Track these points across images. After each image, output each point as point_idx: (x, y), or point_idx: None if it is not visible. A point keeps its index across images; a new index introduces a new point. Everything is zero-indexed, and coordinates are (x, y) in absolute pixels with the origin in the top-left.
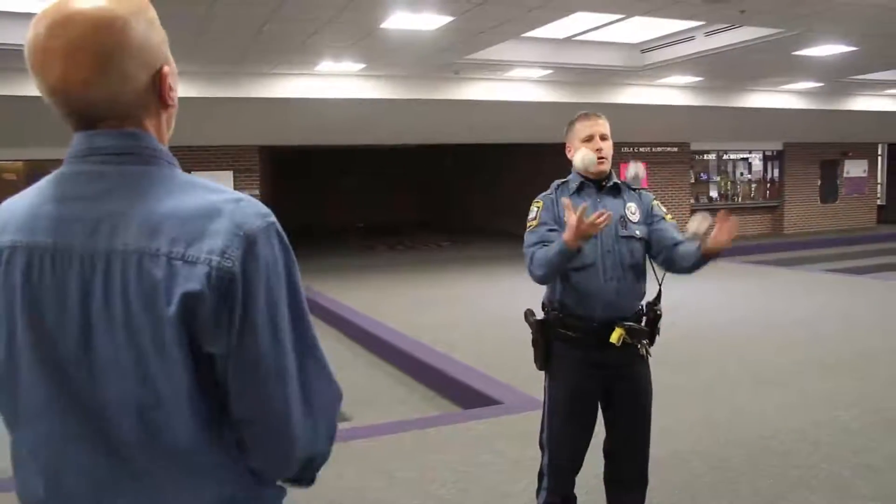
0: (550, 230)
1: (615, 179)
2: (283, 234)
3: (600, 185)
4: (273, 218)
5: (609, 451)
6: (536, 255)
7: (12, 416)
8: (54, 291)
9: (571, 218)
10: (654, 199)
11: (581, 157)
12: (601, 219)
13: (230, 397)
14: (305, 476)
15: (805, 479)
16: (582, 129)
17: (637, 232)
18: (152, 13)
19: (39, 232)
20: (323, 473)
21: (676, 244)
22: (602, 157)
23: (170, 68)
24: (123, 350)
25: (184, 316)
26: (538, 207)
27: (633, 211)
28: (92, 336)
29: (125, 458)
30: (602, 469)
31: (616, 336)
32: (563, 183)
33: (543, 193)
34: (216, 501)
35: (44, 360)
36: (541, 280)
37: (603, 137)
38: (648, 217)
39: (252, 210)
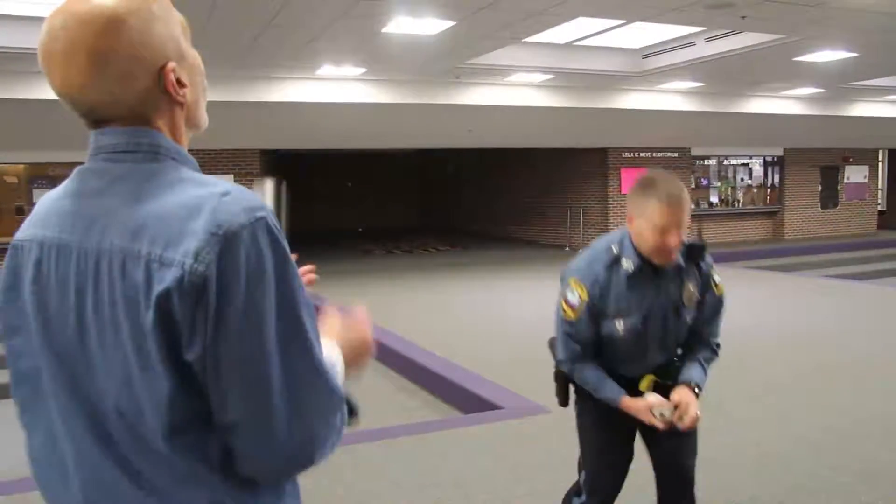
0: (590, 328)
1: (679, 260)
2: (277, 229)
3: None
4: (264, 212)
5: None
6: (577, 366)
7: (29, 404)
8: (57, 285)
9: (647, 417)
10: (712, 267)
11: (648, 247)
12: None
13: (212, 404)
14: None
15: (805, 486)
16: (659, 215)
17: (688, 318)
18: (156, 7)
19: (49, 226)
20: (323, 478)
21: (692, 339)
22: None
23: (176, 64)
24: (111, 349)
25: (159, 321)
26: (581, 299)
27: (690, 292)
28: (86, 333)
29: (122, 457)
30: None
31: (646, 384)
32: (615, 260)
33: (589, 267)
34: None
35: (49, 346)
36: (562, 366)
37: (680, 226)
38: (703, 290)
39: (237, 206)
